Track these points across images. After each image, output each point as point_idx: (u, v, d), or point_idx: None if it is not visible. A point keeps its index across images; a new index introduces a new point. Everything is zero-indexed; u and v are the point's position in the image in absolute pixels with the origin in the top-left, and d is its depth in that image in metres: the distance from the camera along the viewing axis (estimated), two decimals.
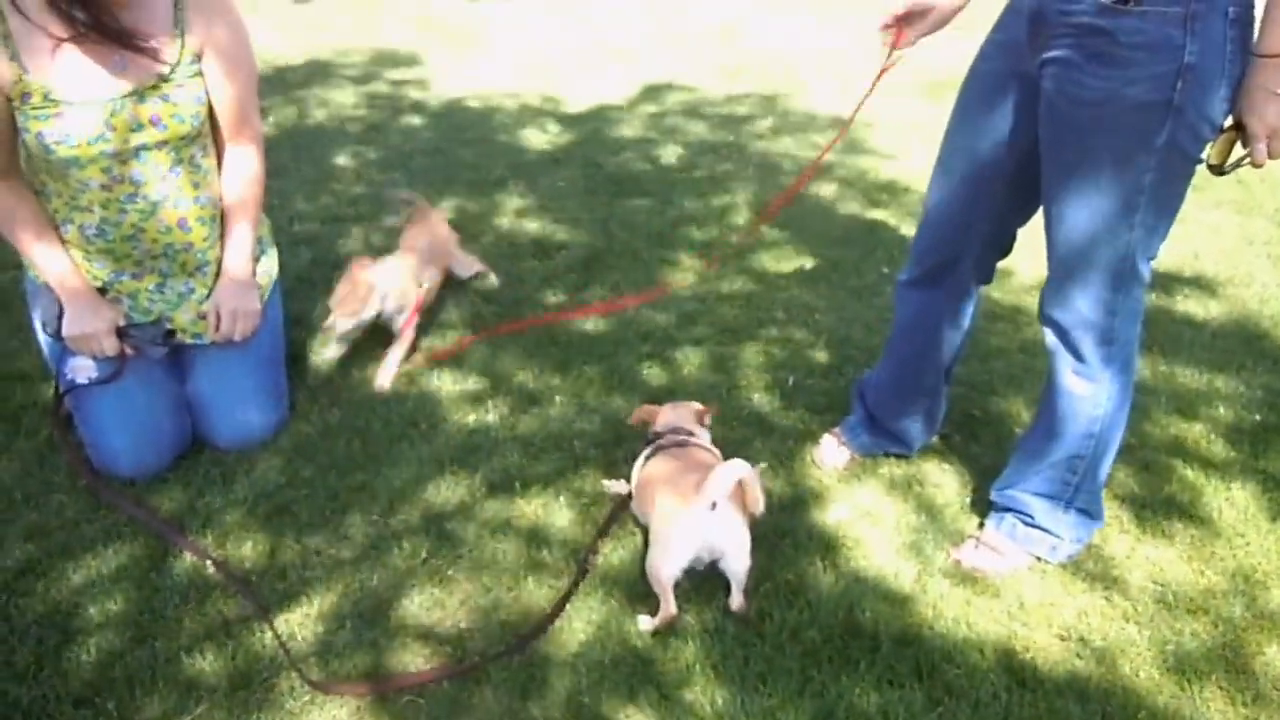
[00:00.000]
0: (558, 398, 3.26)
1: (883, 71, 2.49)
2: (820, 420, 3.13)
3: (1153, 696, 2.26)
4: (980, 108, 2.40)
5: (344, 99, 6.11)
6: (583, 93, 6.24)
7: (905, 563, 2.63)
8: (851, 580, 2.56)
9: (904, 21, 2.42)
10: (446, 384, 3.31)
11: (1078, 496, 2.54)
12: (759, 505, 2.46)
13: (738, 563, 2.41)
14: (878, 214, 4.66)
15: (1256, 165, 2.04)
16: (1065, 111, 2.14)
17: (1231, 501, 2.83)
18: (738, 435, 3.09)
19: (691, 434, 2.73)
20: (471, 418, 3.15)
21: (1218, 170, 2.11)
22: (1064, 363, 2.41)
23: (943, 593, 2.53)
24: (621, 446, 3.01)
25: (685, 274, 4.05)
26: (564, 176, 4.98)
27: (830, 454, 2.97)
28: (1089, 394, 2.40)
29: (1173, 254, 4.16)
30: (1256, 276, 4.09)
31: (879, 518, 2.78)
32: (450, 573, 2.57)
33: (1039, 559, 2.61)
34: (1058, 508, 2.56)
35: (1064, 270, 2.31)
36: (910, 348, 2.79)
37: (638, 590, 2.49)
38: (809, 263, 4.16)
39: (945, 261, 2.61)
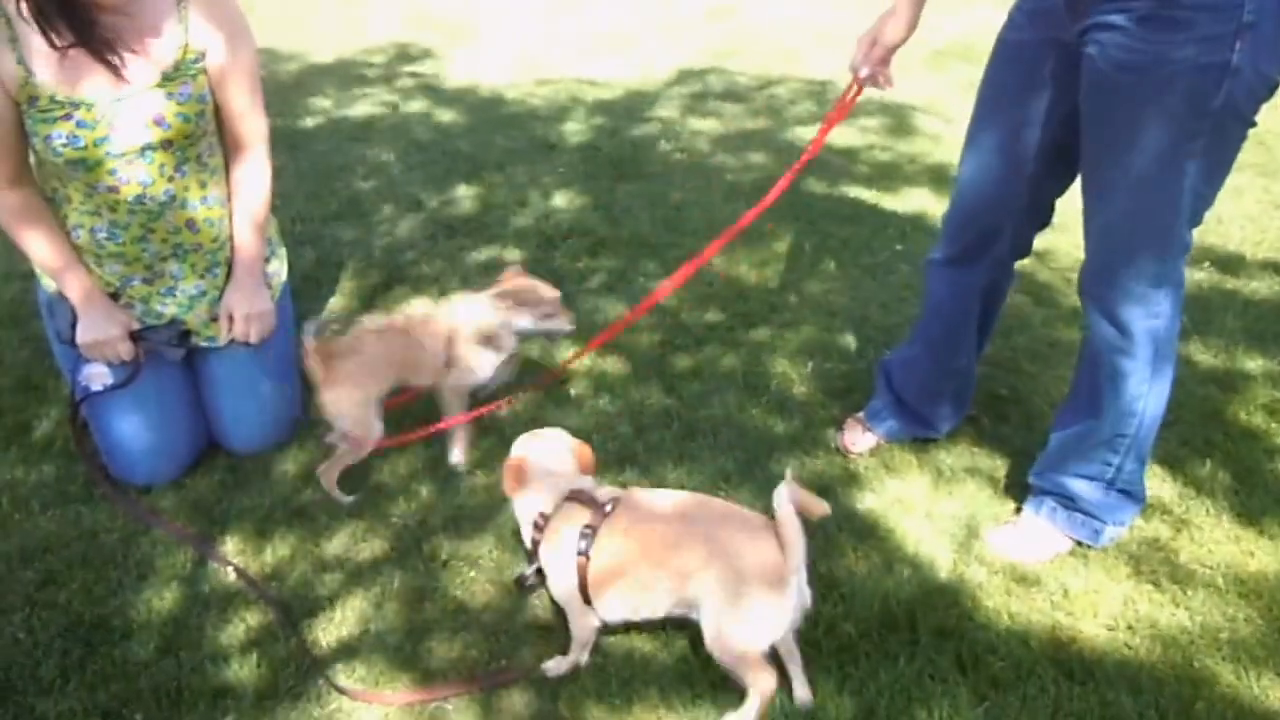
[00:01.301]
0: (568, 393, 3.16)
1: (848, 105, 2.60)
2: (842, 404, 3.04)
3: (1208, 686, 2.17)
4: (1013, 79, 2.31)
5: (337, 95, 6.00)
6: (580, 79, 6.14)
7: (940, 551, 2.54)
8: (885, 571, 2.47)
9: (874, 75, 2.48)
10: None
11: (1120, 477, 2.45)
12: (824, 507, 2.07)
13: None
14: (884, 190, 4.56)
15: None
16: (1113, 78, 2.04)
17: (1277, 477, 2.74)
18: (759, 423, 3.00)
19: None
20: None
21: None
22: (1107, 338, 2.31)
23: (981, 582, 2.44)
24: (641, 437, 2.93)
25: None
26: (564, 163, 4.87)
27: (856, 439, 2.88)
28: (1133, 370, 2.31)
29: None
30: None
31: (910, 505, 2.69)
32: (472, 574, 2.49)
33: (1080, 544, 2.52)
34: (1099, 490, 2.47)
35: (1109, 243, 2.21)
36: (942, 328, 2.69)
37: None
38: (819, 243, 4.05)
39: (982, 237, 2.52)
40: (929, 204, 4.38)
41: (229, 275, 2.86)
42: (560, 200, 4.47)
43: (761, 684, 2.04)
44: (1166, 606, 2.37)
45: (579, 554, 2.12)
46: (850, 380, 3.16)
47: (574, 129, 5.34)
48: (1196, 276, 3.75)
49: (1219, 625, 2.31)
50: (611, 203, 4.43)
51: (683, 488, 2.73)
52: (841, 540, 2.56)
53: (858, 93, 2.57)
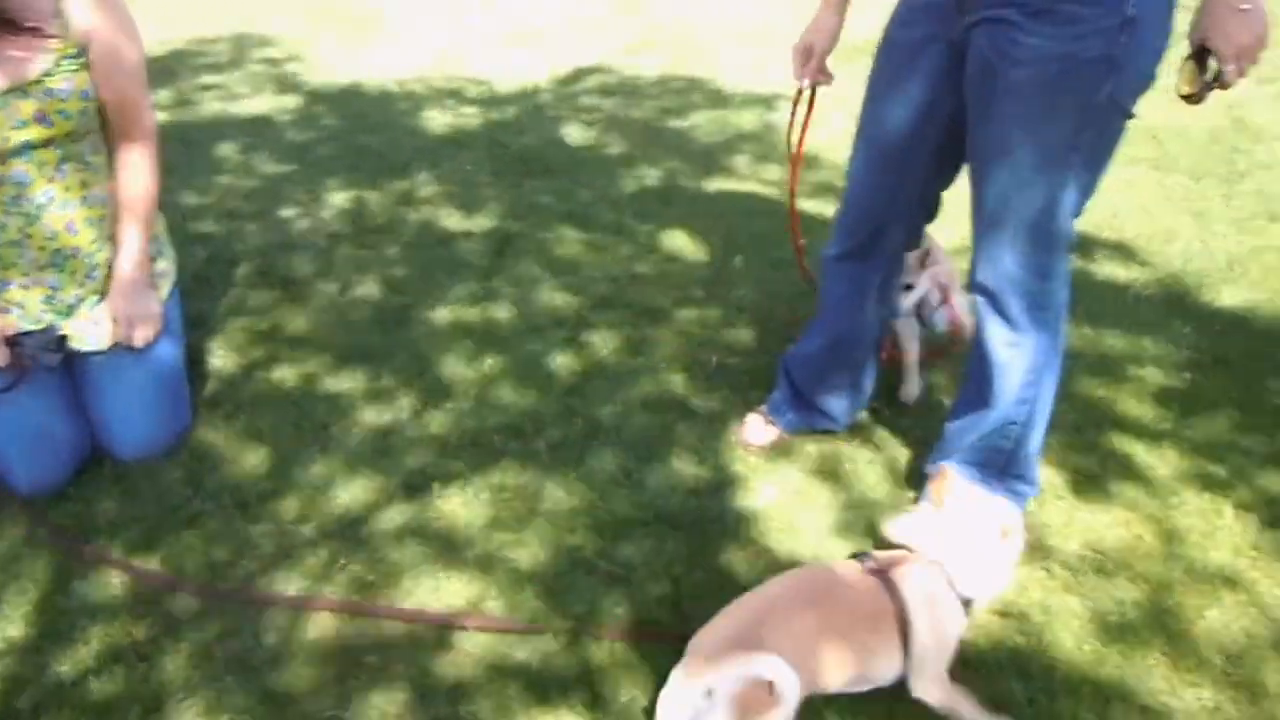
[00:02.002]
0: (464, 390, 3.12)
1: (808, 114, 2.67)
2: (745, 399, 3.04)
3: (1096, 669, 2.21)
4: (899, 75, 2.33)
5: (235, 89, 5.87)
6: (489, 75, 6.06)
7: (839, 543, 2.54)
8: (785, 565, 2.47)
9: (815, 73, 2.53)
10: (354, 384, 3.15)
11: (1013, 464, 2.48)
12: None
13: None
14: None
15: (1226, 87, 1.96)
16: (1003, 71, 2.06)
17: (1165, 462, 2.80)
18: (663, 418, 2.99)
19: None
20: (387, 416, 3.01)
21: (1194, 99, 2.02)
22: (994, 328, 2.34)
23: None
24: (542, 435, 2.91)
25: (600, 254, 3.93)
26: (470, 160, 4.81)
27: (756, 433, 2.88)
28: (1021, 360, 2.34)
29: (1091, 214, 4.06)
30: (1177, 234, 4.06)
31: (810, 497, 2.70)
32: (370, 579, 2.45)
33: None
34: (993, 477, 2.50)
35: (994, 233, 2.24)
36: (839, 322, 2.70)
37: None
38: (726, 238, 4.05)
39: (873, 233, 2.54)
40: (837, 200, 4.39)
41: (112, 276, 2.78)
42: (466, 197, 4.41)
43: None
44: (1058, 591, 2.40)
45: None
46: (754, 375, 3.16)
47: (481, 125, 5.28)
48: (1090, 267, 3.82)
49: (1108, 609, 2.35)
50: (518, 200, 4.39)
51: (585, 485, 2.72)
52: (740, 535, 2.57)
53: (811, 96, 2.64)
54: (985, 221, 2.25)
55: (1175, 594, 2.39)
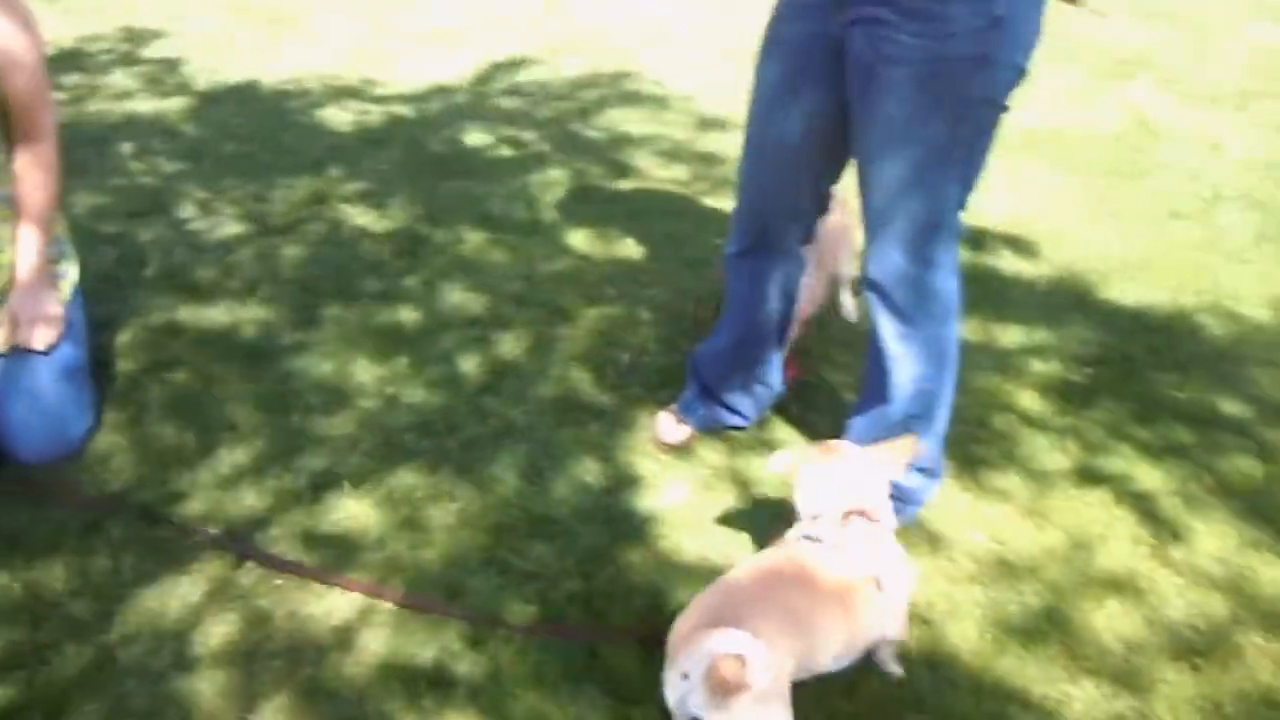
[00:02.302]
0: (374, 390, 3.10)
1: None
2: (657, 397, 3.05)
3: (996, 660, 2.25)
4: (782, 72, 2.35)
5: (146, 86, 5.76)
6: (407, 74, 6.02)
7: (749, 539, 2.57)
8: (696, 561, 2.50)
9: None
10: (261, 384, 3.11)
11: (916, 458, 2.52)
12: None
13: None
14: (706, 184, 4.59)
15: None
16: (880, 70, 2.09)
17: (1066, 455, 2.86)
18: (576, 416, 2.99)
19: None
20: (294, 417, 2.97)
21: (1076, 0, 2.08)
22: (885, 322, 2.39)
23: None
24: (454, 435, 2.90)
25: (513, 253, 3.92)
26: (387, 159, 4.77)
27: (668, 431, 2.90)
28: (913, 352, 2.38)
29: (994, 211, 4.21)
30: (1079, 231, 4.16)
31: (720, 494, 2.72)
32: (277, 582, 2.42)
33: None
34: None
35: (881, 229, 2.29)
36: (744, 319, 2.73)
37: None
38: (642, 237, 4.07)
39: (768, 230, 2.56)
40: None
41: (11, 277, 2.72)
42: (379, 196, 4.38)
43: None
44: (962, 583, 2.45)
45: None
46: (666, 373, 3.17)
47: (398, 124, 5.24)
48: (994, 263, 3.90)
49: (1009, 600, 2.40)
50: (435, 200, 4.36)
51: (496, 483, 2.72)
52: (650, 533, 2.58)
53: None
54: (872, 218, 2.30)
55: (1074, 586, 2.45)
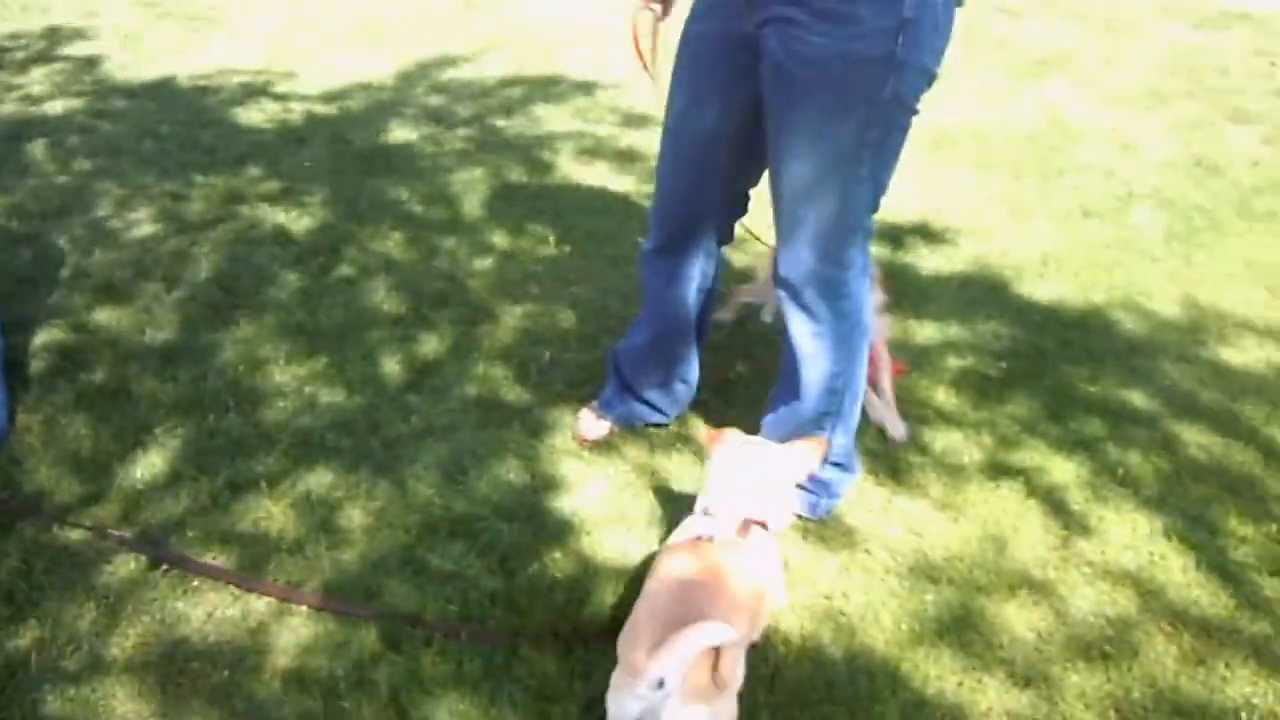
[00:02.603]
0: (293, 390, 3.07)
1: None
2: (579, 394, 3.06)
3: (911, 651, 2.29)
4: (697, 71, 2.37)
5: (63, 83, 5.65)
6: (328, 71, 5.96)
7: (668, 534, 2.57)
8: (616, 557, 2.51)
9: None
10: (179, 384, 3.07)
11: (830, 452, 2.55)
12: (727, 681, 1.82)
13: None
14: (629, 182, 4.61)
15: None
16: (791, 70, 2.11)
17: (980, 449, 2.91)
18: (497, 415, 2.99)
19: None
20: (212, 417, 2.94)
21: None
22: (797, 320, 2.41)
23: None
24: (375, 434, 2.88)
25: (435, 252, 3.90)
26: (309, 156, 4.73)
27: (589, 427, 2.91)
28: (824, 350, 2.41)
29: (915, 209, 4.28)
30: (997, 229, 4.24)
31: (639, 490, 2.73)
32: (195, 584, 2.40)
33: (801, 518, 2.62)
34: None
35: (792, 228, 2.31)
36: (661, 316, 2.75)
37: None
38: (564, 234, 4.07)
39: (684, 228, 2.58)
40: None
41: None
42: (304, 193, 4.34)
43: None
44: (878, 574, 2.49)
45: None
46: (589, 370, 3.18)
47: (321, 121, 5.19)
48: (912, 260, 3.96)
49: (924, 592, 2.44)
50: (358, 198, 4.33)
51: (418, 483, 2.71)
52: (570, 531, 2.59)
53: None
54: (784, 218, 2.32)
55: (987, 579, 2.49)
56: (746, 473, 2.17)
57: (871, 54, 2.04)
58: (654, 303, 2.75)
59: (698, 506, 2.18)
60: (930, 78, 2.13)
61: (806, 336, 2.41)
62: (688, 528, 2.13)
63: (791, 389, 2.51)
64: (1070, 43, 6.61)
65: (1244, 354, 3.44)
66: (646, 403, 2.87)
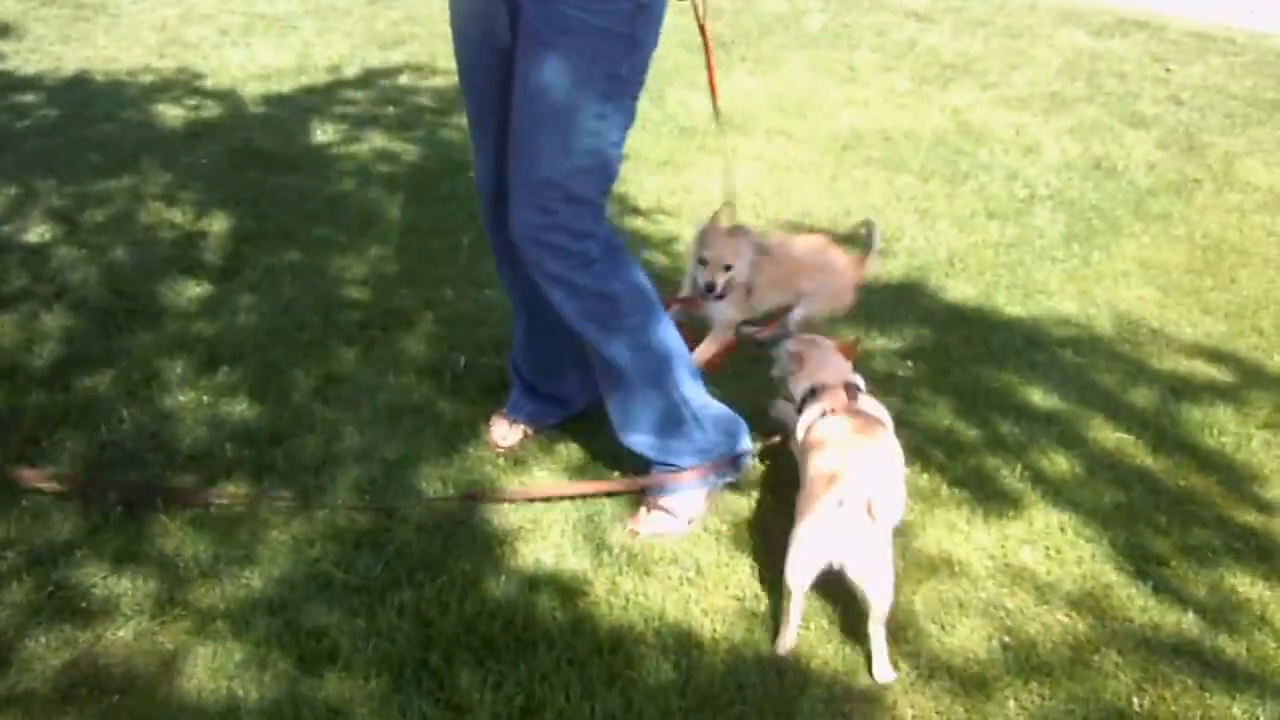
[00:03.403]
0: (191, 404, 2.98)
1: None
2: (495, 399, 3.01)
3: (819, 649, 2.31)
4: (472, 49, 2.45)
5: None
6: (228, 65, 5.83)
7: (584, 541, 2.58)
8: (532, 563, 2.49)
9: None
10: (71, 396, 2.97)
11: (689, 407, 2.56)
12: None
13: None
14: None
15: None
16: (543, 38, 2.19)
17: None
18: (412, 423, 2.94)
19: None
20: (105, 431, 2.84)
21: None
22: (565, 302, 2.41)
23: (621, 566, 2.50)
24: (280, 445, 2.81)
25: (346, 255, 3.83)
26: (206, 153, 4.61)
27: (503, 433, 2.88)
28: (604, 319, 2.44)
29: (823, 211, 4.32)
30: (905, 231, 4.30)
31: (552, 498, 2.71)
32: (83, 605, 2.30)
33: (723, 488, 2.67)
34: (689, 427, 2.57)
35: (533, 199, 2.30)
36: (528, 310, 2.73)
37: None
38: (476, 238, 4.01)
39: (495, 204, 2.53)
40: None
41: None
42: (204, 193, 4.23)
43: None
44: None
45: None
46: (504, 375, 3.13)
47: (222, 117, 5.07)
48: None
49: (832, 590, 2.44)
50: (260, 195, 4.24)
51: (324, 495, 2.65)
52: (487, 538, 2.56)
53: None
54: (515, 179, 2.32)
55: (895, 574, 2.51)
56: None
57: (616, 30, 2.19)
58: (515, 296, 2.76)
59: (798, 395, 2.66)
60: (651, 54, 2.29)
61: (578, 318, 2.44)
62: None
63: (604, 370, 2.56)
64: (975, 48, 6.73)
65: (1138, 350, 3.54)
66: (551, 397, 2.86)
